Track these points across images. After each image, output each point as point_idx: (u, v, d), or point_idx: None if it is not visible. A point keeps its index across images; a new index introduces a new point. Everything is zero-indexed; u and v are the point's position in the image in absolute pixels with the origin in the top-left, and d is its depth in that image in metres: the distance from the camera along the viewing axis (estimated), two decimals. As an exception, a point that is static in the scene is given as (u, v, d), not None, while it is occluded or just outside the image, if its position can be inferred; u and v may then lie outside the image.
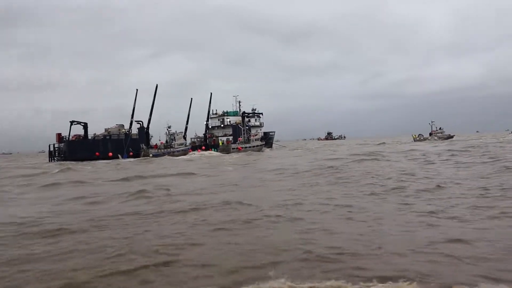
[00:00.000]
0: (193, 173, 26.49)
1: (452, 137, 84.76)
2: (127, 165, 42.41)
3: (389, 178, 18.13)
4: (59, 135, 61.35)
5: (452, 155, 32.06)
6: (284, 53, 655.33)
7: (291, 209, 11.46)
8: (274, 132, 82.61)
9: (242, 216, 10.68)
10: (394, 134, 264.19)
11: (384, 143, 77.92)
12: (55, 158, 60.89)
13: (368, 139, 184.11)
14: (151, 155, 61.38)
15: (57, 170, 34.77)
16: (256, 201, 13.13)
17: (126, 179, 23.49)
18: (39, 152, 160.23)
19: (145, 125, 66.99)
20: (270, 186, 18.05)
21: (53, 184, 22.53)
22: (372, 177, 18.92)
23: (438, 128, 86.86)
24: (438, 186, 14.95)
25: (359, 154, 36.75)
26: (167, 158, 57.23)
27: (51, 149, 61.44)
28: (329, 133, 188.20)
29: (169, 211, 11.86)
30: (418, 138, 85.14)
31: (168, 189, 17.40)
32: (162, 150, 64.05)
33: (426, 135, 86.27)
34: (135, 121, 66.12)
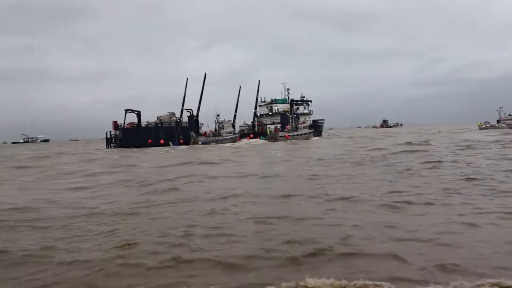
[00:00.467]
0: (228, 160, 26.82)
1: None
2: (179, 152, 44.12)
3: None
4: (115, 123, 64.62)
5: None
6: (339, 40, 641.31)
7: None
8: (324, 120, 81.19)
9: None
10: (457, 122, 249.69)
11: (439, 131, 73.77)
12: (112, 145, 64.29)
13: (426, 126, 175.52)
14: (200, 142, 63.03)
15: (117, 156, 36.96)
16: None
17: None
18: (102, 138, 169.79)
19: (195, 114, 68.49)
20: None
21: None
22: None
23: (508, 115, 78.58)
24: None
25: (413, 144, 34.77)
26: (215, 145, 58.66)
27: (108, 136, 64.90)
28: (384, 121, 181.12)
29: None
30: (484, 126, 77.96)
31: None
32: (211, 138, 65.49)
33: (494, 122, 78.98)
34: (185, 109, 67.91)
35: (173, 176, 19.00)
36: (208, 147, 55.81)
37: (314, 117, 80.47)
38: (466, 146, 30.55)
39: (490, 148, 27.62)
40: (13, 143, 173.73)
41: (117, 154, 45.64)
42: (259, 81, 75.34)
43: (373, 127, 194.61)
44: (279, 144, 54.40)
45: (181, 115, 68.99)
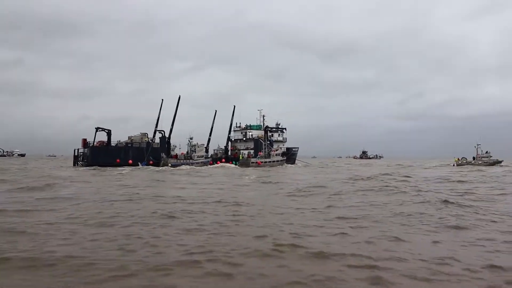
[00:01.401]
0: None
1: (500, 162, 75.83)
2: (138, 172, 43.47)
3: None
4: (84, 140, 63.73)
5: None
6: (323, 70, 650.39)
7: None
8: (298, 148, 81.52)
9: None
10: (435, 156, 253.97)
11: (411, 166, 74.60)
12: (79, 163, 63.15)
13: (406, 160, 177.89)
14: (169, 164, 62.37)
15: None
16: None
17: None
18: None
19: (168, 135, 68.12)
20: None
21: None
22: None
23: (485, 152, 79.05)
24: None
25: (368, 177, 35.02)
26: (183, 168, 58.01)
27: (76, 154, 63.79)
28: (363, 152, 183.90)
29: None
30: (460, 162, 78.04)
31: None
32: (182, 160, 64.96)
33: (470, 158, 79.52)
34: (158, 130, 67.49)
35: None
36: (173, 170, 55.11)
37: (289, 144, 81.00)
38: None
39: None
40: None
41: (66, 172, 44.73)
42: (234, 106, 75.92)
43: (353, 157, 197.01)
44: (247, 170, 54.20)
45: (153, 135, 68.57)
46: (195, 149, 67.14)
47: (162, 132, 67.58)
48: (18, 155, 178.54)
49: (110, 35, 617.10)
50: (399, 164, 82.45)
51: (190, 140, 67.66)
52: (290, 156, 78.13)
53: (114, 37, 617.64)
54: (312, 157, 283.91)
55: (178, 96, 70.48)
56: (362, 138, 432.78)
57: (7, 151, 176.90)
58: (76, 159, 63.64)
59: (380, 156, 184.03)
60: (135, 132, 68.04)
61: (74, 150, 64.05)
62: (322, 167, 68.09)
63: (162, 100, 69.82)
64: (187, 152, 67.47)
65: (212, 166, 64.73)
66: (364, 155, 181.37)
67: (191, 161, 65.35)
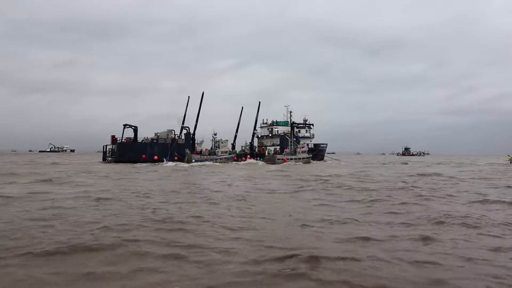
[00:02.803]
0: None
1: None
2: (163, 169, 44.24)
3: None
4: (113, 137, 65.91)
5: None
6: (366, 66, 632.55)
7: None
8: (326, 144, 79.70)
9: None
10: (488, 153, 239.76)
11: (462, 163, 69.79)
12: (108, 158, 65.48)
13: (454, 156, 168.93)
14: (193, 160, 63.15)
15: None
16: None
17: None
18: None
19: (193, 131, 68.96)
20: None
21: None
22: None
23: None
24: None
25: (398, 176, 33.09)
26: (206, 164, 58.57)
27: (105, 150, 66.19)
28: (406, 149, 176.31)
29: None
30: None
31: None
32: (205, 156, 65.55)
33: None
34: (183, 126, 68.51)
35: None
36: (196, 166, 55.69)
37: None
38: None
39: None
40: (40, 151, 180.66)
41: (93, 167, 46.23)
42: (259, 102, 75.27)
43: (397, 154, 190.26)
44: (270, 167, 53.56)
45: (180, 132, 69.70)
46: (218, 145, 67.47)
47: (187, 129, 68.53)
48: (70, 150, 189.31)
49: (156, 35, 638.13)
50: (443, 163, 78.05)
51: (214, 136, 68.14)
52: (317, 152, 76.57)
53: (160, 37, 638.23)
54: (356, 154, 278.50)
55: (202, 92, 71.08)
56: (406, 134, 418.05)
57: (57, 147, 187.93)
58: (104, 155, 66.08)
59: (423, 153, 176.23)
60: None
61: (103, 147, 66.53)
62: (349, 163, 66.05)
63: (189, 97, 70.92)
64: (211, 148, 67.97)
65: (234, 162, 64.64)
66: (406, 151, 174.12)
67: (214, 157, 65.80)
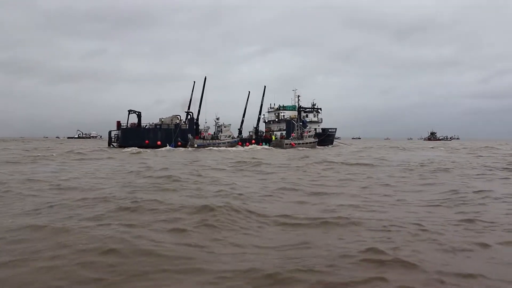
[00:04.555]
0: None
1: None
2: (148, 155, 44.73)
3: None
4: (118, 122, 66.71)
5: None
6: (394, 49, 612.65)
7: None
8: (335, 129, 77.67)
9: None
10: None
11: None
12: (114, 144, 66.47)
13: (487, 141, 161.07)
14: (196, 145, 63.22)
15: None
16: None
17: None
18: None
19: (196, 116, 68.83)
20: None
21: None
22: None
23: None
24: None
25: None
26: (208, 149, 58.53)
27: (110, 135, 67.15)
28: (432, 133, 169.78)
29: None
30: None
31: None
32: (208, 141, 65.41)
33: None
34: (186, 112, 68.47)
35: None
36: (197, 150, 55.73)
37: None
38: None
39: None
40: (68, 138, 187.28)
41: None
42: (264, 86, 73.63)
43: (424, 139, 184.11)
44: (274, 151, 52.85)
45: (186, 117, 69.69)
46: (221, 130, 67.06)
47: (191, 114, 68.43)
48: (100, 137, 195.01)
49: (183, 23, 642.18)
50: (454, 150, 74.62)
51: (217, 121, 67.65)
52: (326, 137, 74.82)
53: (186, 25, 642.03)
54: (385, 139, 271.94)
55: (204, 77, 70.33)
56: (436, 119, 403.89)
57: (85, 133, 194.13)
58: (110, 140, 67.11)
59: (450, 138, 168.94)
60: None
61: (109, 132, 67.55)
62: (363, 149, 63.99)
63: (194, 82, 70.69)
64: (214, 132, 67.68)
65: (235, 148, 63.96)
66: (432, 136, 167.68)
67: (217, 141, 65.56)
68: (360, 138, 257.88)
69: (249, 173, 21.76)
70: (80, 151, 45.47)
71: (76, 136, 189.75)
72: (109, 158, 35.70)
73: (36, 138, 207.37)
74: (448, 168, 24.18)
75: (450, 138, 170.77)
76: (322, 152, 52.19)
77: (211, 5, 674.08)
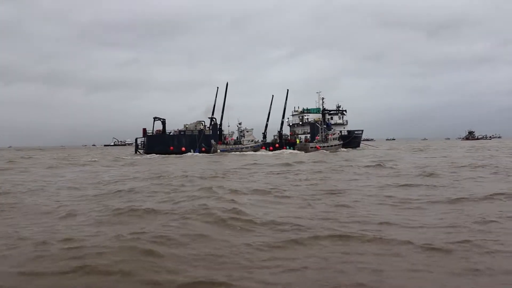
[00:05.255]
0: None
1: None
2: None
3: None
4: (144, 129, 68.22)
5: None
6: (427, 47, 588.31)
7: None
8: (362, 130, 75.87)
9: None
10: None
11: None
12: (140, 151, 68.01)
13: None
14: (218, 150, 63.64)
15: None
16: None
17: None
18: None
19: (219, 122, 69.26)
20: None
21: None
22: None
23: None
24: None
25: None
26: (230, 154, 58.99)
27: (137, 142, 68.77)
28: (470, 132, 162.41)
29: None
30: None
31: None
32: (230, 146, 65.68)
33: None
34: (209, 117, 69.06)
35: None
36: (218, 155, 56.24)
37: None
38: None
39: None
40: (105, 145, 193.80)
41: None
42: (287, 90, 72.85)
43: (462, 139, 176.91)
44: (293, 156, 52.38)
45: (210, 123, 70.27)
46: (243, 134, 67.14)
47: (214, 119, 68.94)
48: (129, 144, 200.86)
49: (212, 29, 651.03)
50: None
51: (239, 126, 67.82)
52: (352, 139, 73.29)
53: (215, 31, 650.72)
54: (422, 139, 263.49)
55: (226, 83, 70.77)
56: (472, 117, 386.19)
57: (120, 141, 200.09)
58: (137, 147, 68.75)
59: (490, 137, 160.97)
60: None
61: (135, 139, 69.22)
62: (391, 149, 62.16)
63: (218, 88, 71.22)
64: (237, 137, 67.86)
65: (259, 153, 63.78)
66: (470, 135, 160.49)
67: (240, 146, 65.69)
68: (394, 139, 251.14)
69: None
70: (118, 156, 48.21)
71: (112, 143, 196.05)
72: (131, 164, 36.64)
73: (75, 146, 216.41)
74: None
75: (490, 137, 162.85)
76: (346, 155, 51.12)
77: (239, 10, 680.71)
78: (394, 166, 27.27)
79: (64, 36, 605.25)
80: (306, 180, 19.97)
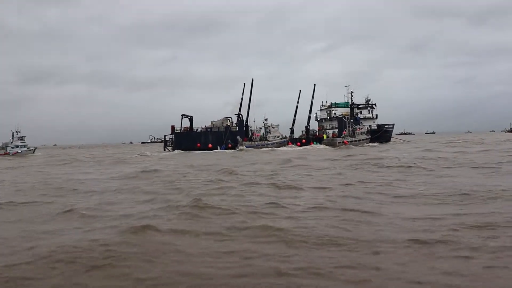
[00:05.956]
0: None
1: None
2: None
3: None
4: (172, 127, 69.55)
5: None
6: (471, 36, 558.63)
7: None
8: (393, 124, 73.49)
9: None
10: None
11: None
12: (169, 148, 69.39)
13: None
14: (244, 147, 63.81)
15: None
16: None
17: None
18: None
19: (245, 118, 69.39)
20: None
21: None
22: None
23: None
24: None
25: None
26: (256, 150, 59.02)
27: (166, 139, 70.19)
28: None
29: None
30: None
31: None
32: (256, 142, 65.70)
33: None
34: (237, 114, 69.26)
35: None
36: (243, 152, 56.39)
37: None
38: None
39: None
40: (142, 143, 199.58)
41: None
42: (314, 84, 71.90)
43: (507, 131, 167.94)
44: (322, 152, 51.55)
45: (238, 119, 70.55)
46: (269, 130, 66.93)
47: (241, 116, 69.12)
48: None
49: (249, 25, 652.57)
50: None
51: (265, 122, 67.65)
52: (382, 133, 71.24)
53: (252, 27, 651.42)
54: (465, 132, 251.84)
55: (251, 79, 70.79)
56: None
57: (157, 138, 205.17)
58: (165, 144, 70.24)
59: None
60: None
61: (164, 136, 70.72)
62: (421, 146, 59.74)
63: (244, 84, 71.43)
64: (263, 134, 67.74)
65: (285, 148, 63.41)
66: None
67: (266, 142, 65.58)
68: (434, 133, 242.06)
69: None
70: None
71: (149, 140, 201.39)
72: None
73: (115, 144, 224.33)
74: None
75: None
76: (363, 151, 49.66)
77: (275, 5, 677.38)
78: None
79: (107, 37, 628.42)
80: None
